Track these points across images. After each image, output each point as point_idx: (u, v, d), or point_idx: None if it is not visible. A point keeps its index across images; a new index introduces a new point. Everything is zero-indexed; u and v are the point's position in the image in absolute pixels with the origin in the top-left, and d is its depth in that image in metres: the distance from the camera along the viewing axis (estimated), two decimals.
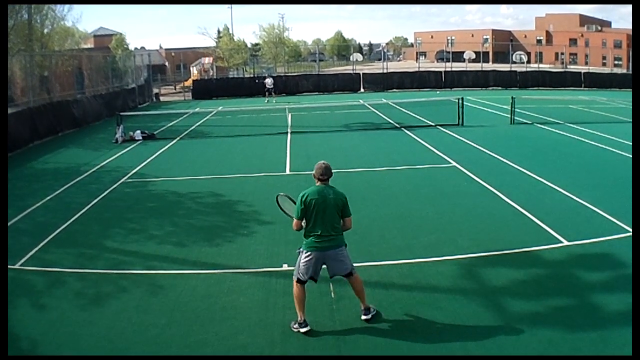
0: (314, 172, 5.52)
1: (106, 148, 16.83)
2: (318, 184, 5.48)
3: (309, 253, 5.38)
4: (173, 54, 55.72)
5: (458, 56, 48.83)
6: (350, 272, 5.51)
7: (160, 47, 63.40)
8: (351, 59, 46.85)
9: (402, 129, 18.65)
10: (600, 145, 14.98)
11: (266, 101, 29.32)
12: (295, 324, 5.48)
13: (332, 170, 5.56)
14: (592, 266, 6.88)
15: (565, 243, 7.60)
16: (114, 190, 11.43)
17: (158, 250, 7.85)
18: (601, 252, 7.32)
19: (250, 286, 6.56)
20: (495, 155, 13.75)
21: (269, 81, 30.87)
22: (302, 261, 5.42)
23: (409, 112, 22.81)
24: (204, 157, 15.08)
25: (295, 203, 5.53)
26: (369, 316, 5.61)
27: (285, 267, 7.04)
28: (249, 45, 59.40)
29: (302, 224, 5.39)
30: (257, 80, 34.36)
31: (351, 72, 39.23)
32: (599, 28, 76.70)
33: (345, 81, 37.46)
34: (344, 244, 5.49)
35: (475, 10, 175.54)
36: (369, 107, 25.33)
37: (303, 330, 5.40)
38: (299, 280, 5.46)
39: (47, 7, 23.97)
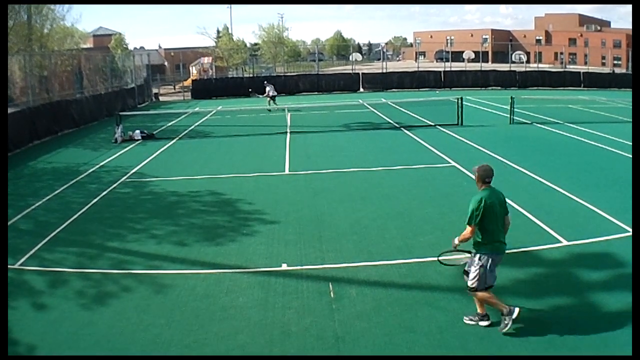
0: (478, 174, 5.47)
1: (105, 148, 16.82)
2: (483, 187, 5.47)
3: (498, 257, 5.36)
4: (172, 53, 55.80)
5: (457, 56, 48.82)
6: None
7: (160, 47, 63.47)
8: (350, 58, 46.71)
9: (402, 128, 18.64)
10: (600, 145, 14.98)
11: (268, 110, 24.55)
12: (475, 317, 5.49)
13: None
14: (591, 266, 6.88)
15: (565, 243, 7.60)
16: (114, 190, 11.42)
17: (157, 250, 7.85)
18: (601, 251, 7.33)
19: (249, 286, 6.57)
20: (495, 155, 13.74)
21: (269, 90, 25.25)
22: (489, 268, 5.31)
23: (408, 112, 22.80)
24: (203, 156, 15.07)
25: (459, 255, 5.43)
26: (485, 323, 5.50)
27: (284, 266, 7.05)
28: (248, 45, 59.47)
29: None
30: (250, 90, 33.11)
31: (350, 72, 39.19)
32: (598, 28, 76.71)
33: (344, 81, 37.44)
34: None
35: (475, 10, 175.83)
36: (369, 106, 25.32)
37: (484, 323, 5.43)
38: (486, 288, 5.36)
39: (46, 7, 23.96)
